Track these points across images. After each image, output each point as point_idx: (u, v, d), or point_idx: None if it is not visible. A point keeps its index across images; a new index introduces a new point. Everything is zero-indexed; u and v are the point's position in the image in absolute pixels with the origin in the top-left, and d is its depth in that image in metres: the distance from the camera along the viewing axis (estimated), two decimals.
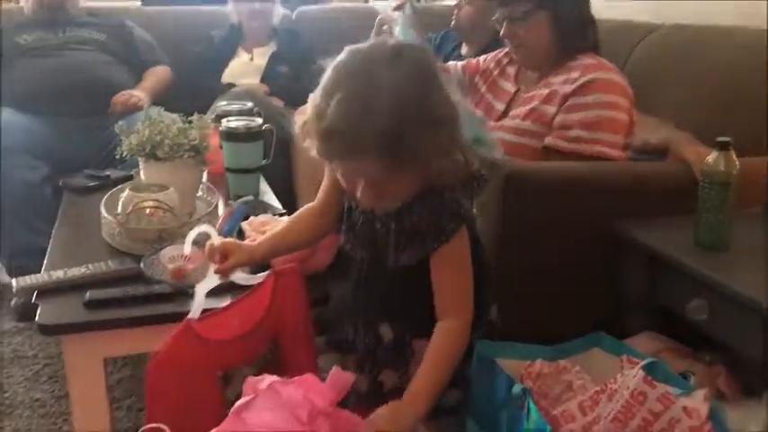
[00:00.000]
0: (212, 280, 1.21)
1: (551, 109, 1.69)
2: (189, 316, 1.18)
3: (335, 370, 1.06)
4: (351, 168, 1.04)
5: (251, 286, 1.25)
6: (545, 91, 1.72)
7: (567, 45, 1.74)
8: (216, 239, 1.25)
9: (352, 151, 0.99)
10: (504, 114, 1.82)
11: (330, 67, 1.02)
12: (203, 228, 1.28)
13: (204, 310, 1.19)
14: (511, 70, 1.88)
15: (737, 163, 1.36)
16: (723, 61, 1.87)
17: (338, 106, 0.97)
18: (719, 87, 1.84)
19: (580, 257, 1.55)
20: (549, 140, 1.67)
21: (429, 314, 1.14)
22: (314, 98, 1.03)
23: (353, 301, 1.23)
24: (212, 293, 1.21)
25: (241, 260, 1.23)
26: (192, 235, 1.27)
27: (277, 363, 1.23)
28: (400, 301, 1.18)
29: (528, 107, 1.74)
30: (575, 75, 1.68)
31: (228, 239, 1.26)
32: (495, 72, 1.93)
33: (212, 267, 1.22)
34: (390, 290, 1.18)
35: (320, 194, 1.25)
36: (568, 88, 1.67)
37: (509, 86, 1.85)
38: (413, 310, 1.17)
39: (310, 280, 1.31)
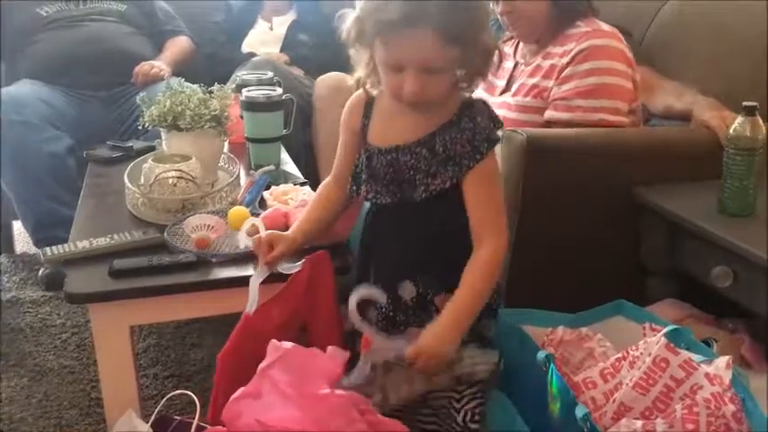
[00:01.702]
0: (263, 272, 1.23)
1: (546, 82, 1.67)
2: (246, 311, 1.20)
3: (331, 348, 1.11)
4: (404, 46, 1.04)
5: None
6: (546, 63, 1.69)
7: (565, 13, 1.70)
8: (263, 232, 1.26)
9: (414, 17, 1.01)
10: (507, 89, 1.79)
11: None
12: (252, 220, 1.30)
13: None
14: (508, 50, 1.84)
15: (764, 128, 1.34)
16: (747, 25, 1.82)
17: None
18: (744, 51, 1.79)
19: (601, 225, 1.54)
20: (548, 114, 1.65)
21: (451, 267, 1.14)
22: None
23: (370, 262, 1.23)
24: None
25: (287, 247, 1.24)
26: (244, 228, 1.30)
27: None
28: (423, 251, 1.17)
29: (530, 82, 1.71)
30: (571, 45, 1.65)
31: (272, 231, 1.27)
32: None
33: (261, 259, 1.23)
34: (413, 240, 1.17)
35: (336, 165, 1.27)
36: (565, 60, 1.64)
37: (508, 64, 1.82)
38: (436, 262, 1.17)
39: (331, 250, 1.32)
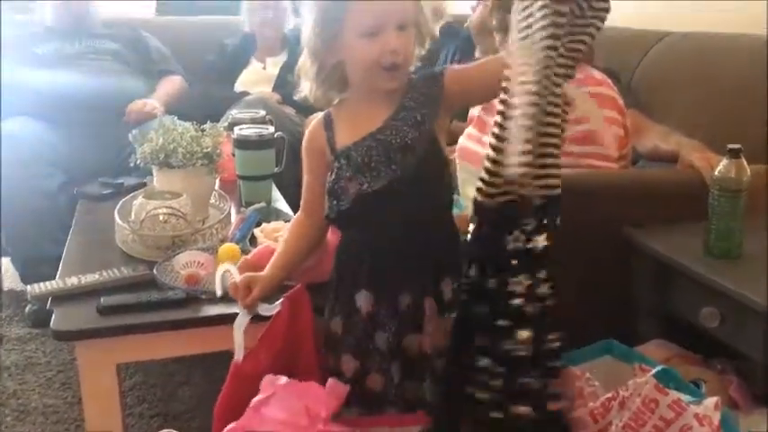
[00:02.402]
0: (244, 317, 1.22)
1: None
2: (235, 359, 1.19)
3: (331, 381, 1.09)
4: (380, 2, 1.09)
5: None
6: None
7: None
8: (237, 277, 1.26)
9: None
10: None
11: None
12: (225, 267, 1.30)
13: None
14: None
15: (748, 170, 1.36)
16: (731, 69, 1.87)
17: None
18: (728, 95, 1.83)
19: (590, 264, 1.54)
20: None
21: (441, 269, 1.17)
22: None
23: (366, 272, 1.20)
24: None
25: (263, 288, 1.24)
26: (218, 275, 1.29)
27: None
28: (420, 248, 1.17)
29: None
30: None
31: (248, 273, 1.27)
32: None
33: (241, 304, 1.23)
34: (411, 233, 1.17)
35: (305, 197, 1.28)
36: None
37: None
38: (431, 262, 1.17)
39: (312, 290, 1.31)
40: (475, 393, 1.04)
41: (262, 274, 1.26)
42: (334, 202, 1.18)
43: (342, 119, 1.21)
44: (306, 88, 1.21)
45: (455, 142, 2.08)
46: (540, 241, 1.03)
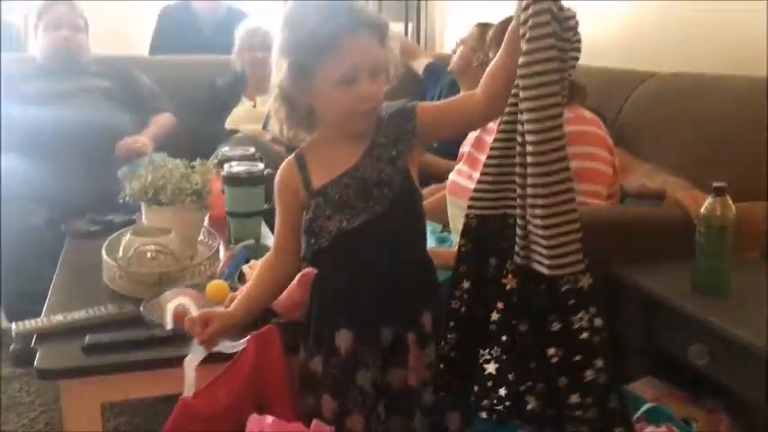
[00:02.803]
0: (198, 352, 1.20)
1: None
2: (183, 395, 1.17)
3: (315, 423, 1.09)
4: (357, 49, 1.12)
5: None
6: None
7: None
8: (193, 311, 1.25)
9: (353, 23, 1.11)
10: None
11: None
12: (180, 300, 1.28)
13: None
14: (492, 125, 1.89)
15: (734, 208, 1.38)
16: (716, 108, 1.90)
17: (321, 3, 1.15)
18: (713, 134, 1.86)
19: None
20: None
21: (420, 302, 1.19)
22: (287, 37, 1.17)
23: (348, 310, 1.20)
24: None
25: (223, 324, 1.24)
26: (170, 307, 1.28)
27: None
28: (399, 283, 1.18)
29: None
30: None
31: (206, 309, 1.26)
32: (478, 131, 1.94)
33: (195, 340, 1.22)
34: (391, 267, 1.18)
35: (277, 239, 1.29)
36: None
37: (491, 138, 1.86)
38: (410, 296, 1.19)
39: (283, 327, 1.30)
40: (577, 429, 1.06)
41: (222, 310, 1.26)
42: (312, 240, 1.19)
43: (315, 158, 1.23)
44: (276, 128, 1.24)
45: (442, 179, 2.10)
46: (586, 280, 1.08)
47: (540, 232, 1.04)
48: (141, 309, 1.39)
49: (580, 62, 1.90)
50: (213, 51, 3.20)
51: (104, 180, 2.41)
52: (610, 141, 1.73)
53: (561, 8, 1.08)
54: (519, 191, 1.08)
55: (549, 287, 1.06)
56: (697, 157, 1.85)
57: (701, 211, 1.40)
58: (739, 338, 1.21)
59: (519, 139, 1.07)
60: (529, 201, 1.05)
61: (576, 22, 1.11)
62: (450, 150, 2.20)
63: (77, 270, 1.70)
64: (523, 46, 1.04)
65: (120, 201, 1.76)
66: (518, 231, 1.08)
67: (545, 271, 1.05)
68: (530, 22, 1.03)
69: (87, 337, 1.28)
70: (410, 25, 4.45)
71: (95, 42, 2.89)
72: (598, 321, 1.07)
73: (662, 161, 1.85)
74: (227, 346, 1.22)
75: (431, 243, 1.86)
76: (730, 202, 1.38)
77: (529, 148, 1.03)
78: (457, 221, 1.85)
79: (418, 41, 4.37)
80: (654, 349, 1.48)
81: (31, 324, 1.34)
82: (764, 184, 1.66)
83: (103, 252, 1.59)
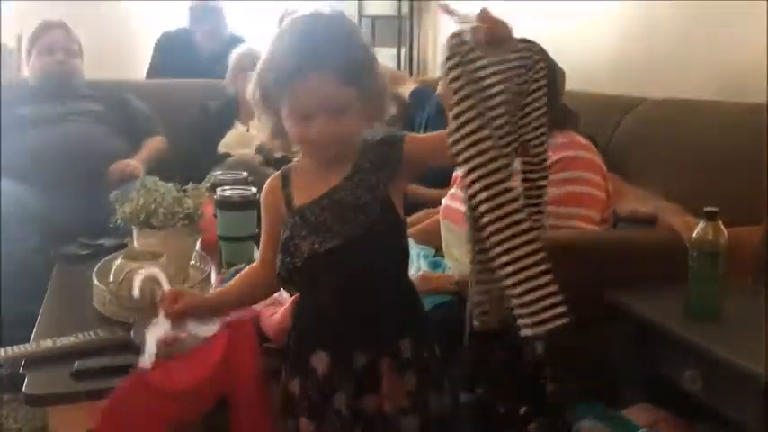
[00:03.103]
0: (163, 325, 1.20)
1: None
2: (140, 365, 1.17)
3: None
4: (308, 91, 1.12)
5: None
6: None
7: (550, 120, 1.76)
8: (165, 285, 1.26)
9: (310, 63, 1.10)
10: None
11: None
12: (151, 270, 1.29)
13: None
14: None
15: (726, 233, 1.38)
16: (707, 133, 1.92)
17: (293, 34, 1.15)
18: (705, 159, 1.87)
19: (571, 326, 1.54)
20: None
21: (399, 329, 1.18)
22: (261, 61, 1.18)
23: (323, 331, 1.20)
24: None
25: (190, 304, 1.25)
26: (138, 279, 1.29)
27: (228, 423, 1.21)
28: (373, 308, 1.17)
29: None
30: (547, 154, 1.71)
31: (179, 288, 1.27)
32: None
33: (162, 312, 1.23)
34: (365, 293, 1.17)
35: (262, 250, 1.30)
36: None
37: None
38: (387, 321, 1.18)
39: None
40: None
41: (194, 292, 1.26)
42: (287, 259, 1.19)
43: (300, 177, 1.25)
44: (264, 137, 1.27)
45: (434, 205, 2.10)
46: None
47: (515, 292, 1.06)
48: (131, 333, 1.37)
49: (572, 88, 1.93)
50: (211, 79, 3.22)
51: (96, 204, 2.40)
52: (603, 166, 1.74)
53: (517, 49, 1.12)
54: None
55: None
56: (688, 181, 1.86)
57: (693, 235, 1.40)
58: (732, 364, 1.21)
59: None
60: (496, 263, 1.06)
61: (537, 55, 1.15)
62: (438, 179, 2.20)
63: (67, 294, 1.68)
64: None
65: (112, 225, 1.75)
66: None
67: (529, 332, 1.06)
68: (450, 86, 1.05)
69: (76, 363, 1.26)
70: (402, 50, 4.49)
71: (92, 67, 2.89)
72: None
73: (653, 186, 1.85)
74: (195, 328, 1.22)
75: (424, 267, 1.86)
76: (722, 226, 1.38)
77: (484, 219, 1.05)
78: (450, 246, 1.84)
79: (410, 66, 4.41)
80: (648, 374, 1.47)
81: (19, 349, 1.33)
82: (756, 208, 1.66)
83: (94, 276, 1.58)
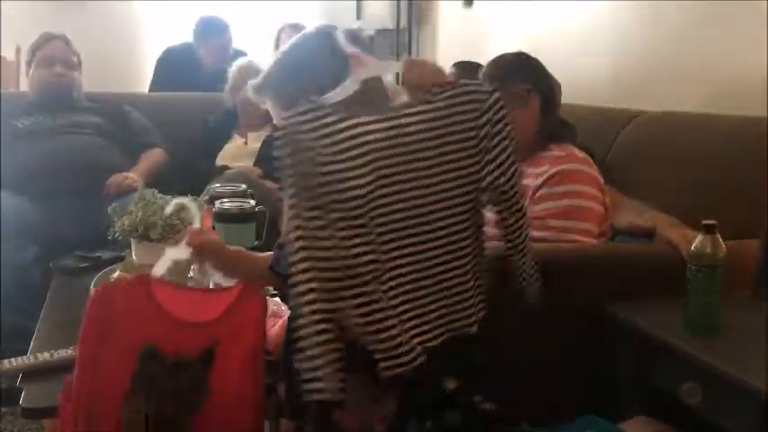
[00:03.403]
0: (183, 250, 1.23)
1: (524, 202, 1.72)
2: (152, 272, 1.19)
3: None
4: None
5: None
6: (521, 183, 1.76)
7: (548, 134, 1.79)
8: (196, 220, 1.31)
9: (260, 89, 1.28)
10: None
11: None
12: (183, 200, 1.35)
13: None
14: None
15: (724, 246, 1.38)
16: (706, 146, 1.92)
17: None
18: (703, 172, 1.88)
19: (568, 339, 1.54)
20: None
21: None
22: None
23: None
24: None
25: (213, 245, 1.27)
26: (171, 206, 1.37)
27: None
28: None
29: None
30: (545, 167, 1.72)
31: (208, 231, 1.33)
32: None
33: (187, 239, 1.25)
34: None
35: None
36: (539, 181, 1.70)
37: None
38: None
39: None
40: None
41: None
42: None
43: None
44: None
45: None
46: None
47: None
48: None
49: (570, 101, 1.94)
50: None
51: (94, 216, 2.41)
52: (600, 179, 1.75)
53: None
54: None
55: None
56: (686, 195, 1.86)
57: (692, 248, 1.40)
58: (732, 377, 1.21)
59: None
60: None
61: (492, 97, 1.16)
62: None
63: (64, 308, 1.68)
64: None
65: (110, 237, 1.74)
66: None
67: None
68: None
69: None
70: None
71: (91, 79, 2.90)
72: None
73: (651, 199, 1.86)
74: (215, 279, 1.24)
75: None
76: (720, 240, 1.38)
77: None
78: None
79: None
80: (647, 388, 1.47)
81: (17, 362, 1.32)
82: (754, 221, 1.67)
83: (92, 289, 1.58)
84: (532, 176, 1.74)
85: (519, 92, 1.77)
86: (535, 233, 1.65)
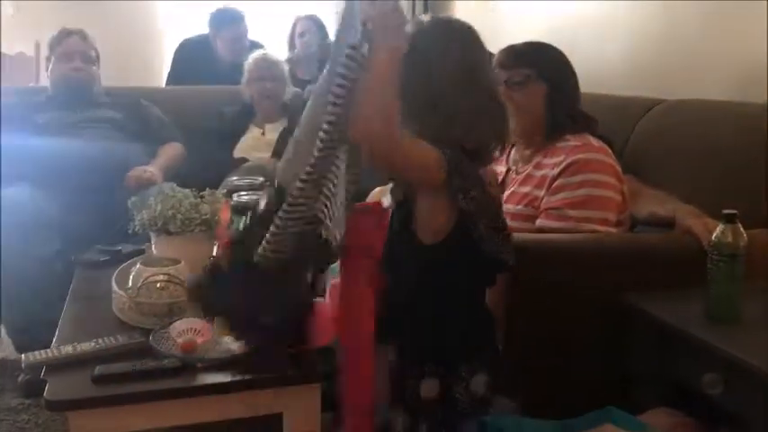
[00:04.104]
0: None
1: (542, 193, 1.72)
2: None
3: None
4: None
5: None
6: (537, 173, 1.76)
7: (559, 123, 1.78)
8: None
9: None
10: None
11: None
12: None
13: None
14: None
15: (745, 235, 1.37)
16: (724, 135, 1.90)
17: None
18: (723, 160, 1.86)
19: (588, 330, 1.54)
20: (540, 222, 1.70)
21: None
22: None
23: None
24: None
25: None
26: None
27: None
28: None
29: (522, 191, 1.77)
30: (561, 157, 1.71)
31: None
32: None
33: None
34: None
35: None
36: (556, 171, 1.70)
37: (500, 168, 1.87)
38: None
39: (319, 354, 1.31)
40: None
41: None
42: None
43: None
44: None
45: None
46: None
47: None
48: (150, 339, 1.39)
49: (588, 90, 1.93)
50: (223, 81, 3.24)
51: (114, 210, 2.43)
52: (618, 168, 1.74)
53: None
54: None
55: None
56: (705, 183, 1.84)
57: (712, 238, 1.39)
58: (753, 367, 1.20)
59: None
60: None
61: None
62: None
63: (87, 301, 1.70)
64: None
65: (130, 231, 1.76)
66: None
67: None
68: None
69: (97, 368, 1.27)
70: None
71: (109, 74, 2.92)
72: None
73: (671, 188, 1.84)
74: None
75: None
76: (741, 229, 1.37)
77: None
78: None
79: None
80: (667, 378, 1.46)
81: (40, 355, 1.34)
82: None
83: (113, 282, 1.59)
84: (548, 166, 1.73)
85: (518, 76, 1.78)
86: (554, 223, 1.65)
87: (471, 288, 1.34)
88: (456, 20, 1.38)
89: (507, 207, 1.75)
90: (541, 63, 1.79)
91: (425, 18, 1.35)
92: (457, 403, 1.29)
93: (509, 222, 1.72)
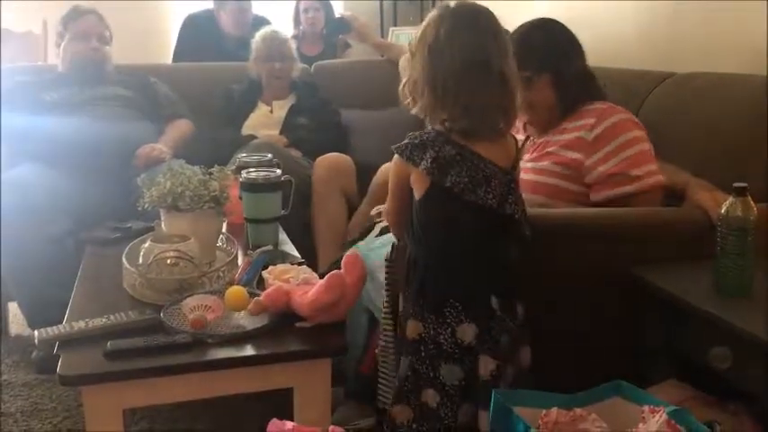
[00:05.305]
0: None
1: (575, 154, 1.74)
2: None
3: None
4: None
5: None
6: (562, 137, 1.76)
7: (574, 98, 1.79)
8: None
9: None
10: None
11: None
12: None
13: None
14: (518, 123, 1.91)
15: (755, 208, 1.36)
16: (735, 108, 1.88)
17: None
18: (733, 133, 1.84)
19: (598, 304, 1.54)
20: (594, 197, 1.72)
21: None
22: None
23: None
24: None
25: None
26: None
27: None
28: None
29: (544, 150, 1.78)
30: (591, 120, 1.73)
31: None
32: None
33: None
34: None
35: None
36: (590, 136, 1.71)
37: (519, 136, 1.87)
38: None
39: (330, 328, 1.32)
40: None
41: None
42: None
43: None
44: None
45: None
46: None
47: None
48: (161, 315, 1.40)
49: (598, 64, 1.92)
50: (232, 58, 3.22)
51: (124, 187, 2.44)
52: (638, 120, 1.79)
53: None
54: None
55: None
56: (716, 157, 1.83)
57: (722, 211, 1.38)
58: (763, 341, 1.20)
59: None
60: None
61: None
62: None
63: (98, 277, 1.71)
64: None
65: (140, 208, 1.77)
66: None
67: None
68: None
69: (108, 344, 1.29)
70: None
71: (117, 51, 2.91)
72: None
73: (681, 161, 1.83)
74: None
75: None
76: (752, 202, 1.36)
77: None
78: None
79: None
80: (677, 352, 1.46)
81: (53, 331, 1.36)
82: None
83: (124, 259, 1.60)
84: (576, 129, 1.76)
85: (523, 76, 1.77)
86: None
87: (462, 237, 1.36)
88: (466, 5, 1.41)
89: (541, 164, 1.78)
90: (534, 59, 1.77)
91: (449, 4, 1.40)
92: (441, 347, 1.34)
93: (539, 178, 1.76)
